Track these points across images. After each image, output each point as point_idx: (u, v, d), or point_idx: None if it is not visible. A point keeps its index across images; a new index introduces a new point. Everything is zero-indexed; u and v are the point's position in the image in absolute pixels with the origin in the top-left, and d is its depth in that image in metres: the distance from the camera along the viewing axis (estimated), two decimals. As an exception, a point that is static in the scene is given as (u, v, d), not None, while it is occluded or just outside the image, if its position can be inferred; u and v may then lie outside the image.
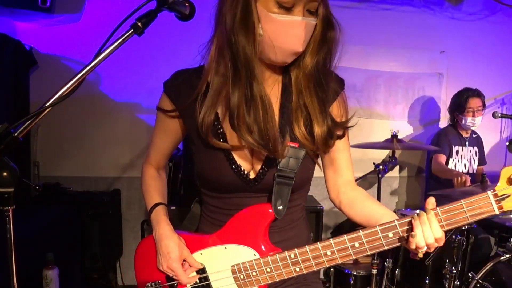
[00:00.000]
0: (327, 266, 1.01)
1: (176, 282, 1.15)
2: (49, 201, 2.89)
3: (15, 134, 0.83)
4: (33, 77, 3.10)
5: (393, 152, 2.85)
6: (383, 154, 3.52)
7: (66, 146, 3.23)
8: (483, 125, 3.32)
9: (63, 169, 3.22)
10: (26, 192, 2.91)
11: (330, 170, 1.18)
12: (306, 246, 1.01)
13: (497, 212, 0.89)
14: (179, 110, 1.11)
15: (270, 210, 1.05)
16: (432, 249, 0.93)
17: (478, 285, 2.36)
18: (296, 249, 1.02)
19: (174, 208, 2.62)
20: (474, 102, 3.12)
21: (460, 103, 3.16)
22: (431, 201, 0.93)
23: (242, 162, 1.07)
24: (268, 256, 1.05)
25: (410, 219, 0.93)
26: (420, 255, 0.94)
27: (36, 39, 3.08)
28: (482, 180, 2.40)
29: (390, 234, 0.95)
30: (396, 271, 2.61)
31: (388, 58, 3.61)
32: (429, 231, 0.90)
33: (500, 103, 3.76)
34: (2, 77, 2.76)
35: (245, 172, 1.06)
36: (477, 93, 3.16)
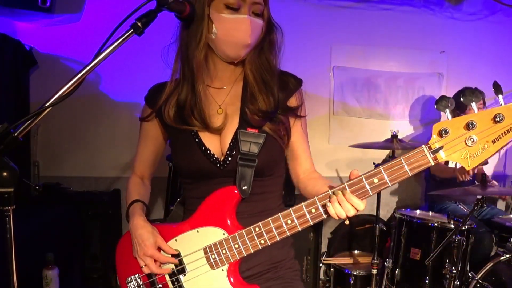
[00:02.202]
0: (288, 235, 1.09)
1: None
2: (49, 201, 2.88)
3: (15, 134, 0.83)
4: (33, 77, 3.10)
5: (393, 152, 2.85)
6: (383, 154, 3.52)
7: (66, 146, 3.23)
8: (483, 125, 3.32)
9: (63, 169, 3.22)
10: (26, 192, 2.91)
11: (292, 159, 1.33)
12: (269, 218, 1.10)
13: (432, 163, 0.96)
14: (155, 112, 1.27)
15: (236, 191, 1.16)
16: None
17: (478, 285, 2.36)
18: (260, 222, 1.11)
19: (174, 208, 2.61)
20: None
21: (460, 102, 3.16)
22: (354, 173, 1.03)
23: (212, 147, 1.20)
24: (236, 233, 1.13)
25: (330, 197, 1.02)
26: (346, 222, 1.06)
27: (36, 39, 3.08)
28: (483, 180, 2.40)
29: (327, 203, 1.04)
30: (396, 271, 2.61)
31: (388, 58, 3.61)
32: (348, 206, 1.00)
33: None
34: (2, 77, 2.76)
35: (215, 156, 1.19)
36: (478, 91, 3.17)
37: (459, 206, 3.06)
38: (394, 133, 2.78)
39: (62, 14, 3.08)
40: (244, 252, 1.13)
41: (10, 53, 2.81)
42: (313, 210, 1.05)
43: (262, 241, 1.10)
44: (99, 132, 3.25)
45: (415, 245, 2.57)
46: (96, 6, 3.13)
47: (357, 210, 1.01)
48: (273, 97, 1.19)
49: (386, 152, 3.47)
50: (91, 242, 2.94)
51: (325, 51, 3.51)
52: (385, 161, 2.86)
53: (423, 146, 0.97)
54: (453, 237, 2.30)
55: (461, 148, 0.95)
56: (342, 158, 3.56)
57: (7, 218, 0.84)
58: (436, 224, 2.48)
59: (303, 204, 1.07)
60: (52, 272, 2.18)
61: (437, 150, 0.96)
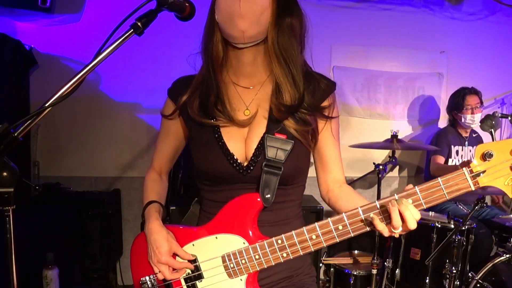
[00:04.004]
0: (312, 250, 1.05)
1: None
2: (49, 201, 2.88)
3: (15, 134, 0.83)
4: (33, 77, 3.10)
5: (393, 152, 2.85)
6: (383, 154, 3.52)
7: (66, 146, 3.23)
8: (483, 125, 3.32)
9: (63, 169, 3.22)
10: (26, 192, 2.91)
11: (320, 168, 1.27)
12: (293, 231, 1.05)
13: (472, 188, 0.91)
14: (179, 108, 1.22)
15: (258, 199, 1.10)
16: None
17: (478, 285, 2.36)
18: (282, 235, 1.06)
19: (174, 208, 2.62)
20: (472, 99, 3.17)
21: (458, 102, 3.20)
22: (409, 186, 0.98)
23: (236, 151, 1.15)
24: (256, 243, 1.09)
25: (391, 200, 0.96)
26: (396, 235, 0.98)
27: (36, 39, 3.08)
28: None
29: (371, 215, 0.99)
30: (396, 271, 2.61)
31: (388, 58, 3.61)
32: (409, 214, 0.93)
33: (500, 103, 3.76)
34: (2, 77, 2.76)
35: (238, 161, 1.14)
36: (474, 91, 3.21)
37: (459, 206, 3.06)
38: (394, 133, 2.78)
39: (62, 14, 3.08)
40: (264, 264, 1.09)
41: (10, 53, 2.81)
42: (340, 227, 1.01)
43: (284, 254, 1.06)
44: (99, 132, 3.25)
45: (415, 245, 2.57)
46: (96, 6, 3.13)
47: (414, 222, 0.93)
48: (298, 92, 1.13)
49: (386, 152, 3.47)
50: (91, 242, 2.93)
51: (325, 51, 3.51)
52: (385, 161, 2.87)
53: (464, 169, 0.92)
54: (453, 237, 2.30)
55: (505, 173, 0.89)
56: (342, 158, 3.56)
57: (7, 218, 0.84)
58: (436, 224, 2.48)
59: (330, 219, 1.02)
60: (52, 272, 2.17)
61: (478, 174, 0.91)
